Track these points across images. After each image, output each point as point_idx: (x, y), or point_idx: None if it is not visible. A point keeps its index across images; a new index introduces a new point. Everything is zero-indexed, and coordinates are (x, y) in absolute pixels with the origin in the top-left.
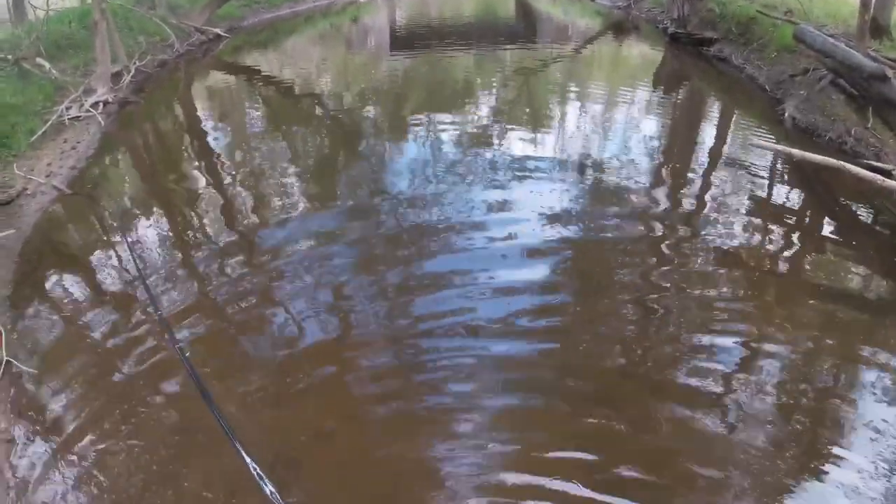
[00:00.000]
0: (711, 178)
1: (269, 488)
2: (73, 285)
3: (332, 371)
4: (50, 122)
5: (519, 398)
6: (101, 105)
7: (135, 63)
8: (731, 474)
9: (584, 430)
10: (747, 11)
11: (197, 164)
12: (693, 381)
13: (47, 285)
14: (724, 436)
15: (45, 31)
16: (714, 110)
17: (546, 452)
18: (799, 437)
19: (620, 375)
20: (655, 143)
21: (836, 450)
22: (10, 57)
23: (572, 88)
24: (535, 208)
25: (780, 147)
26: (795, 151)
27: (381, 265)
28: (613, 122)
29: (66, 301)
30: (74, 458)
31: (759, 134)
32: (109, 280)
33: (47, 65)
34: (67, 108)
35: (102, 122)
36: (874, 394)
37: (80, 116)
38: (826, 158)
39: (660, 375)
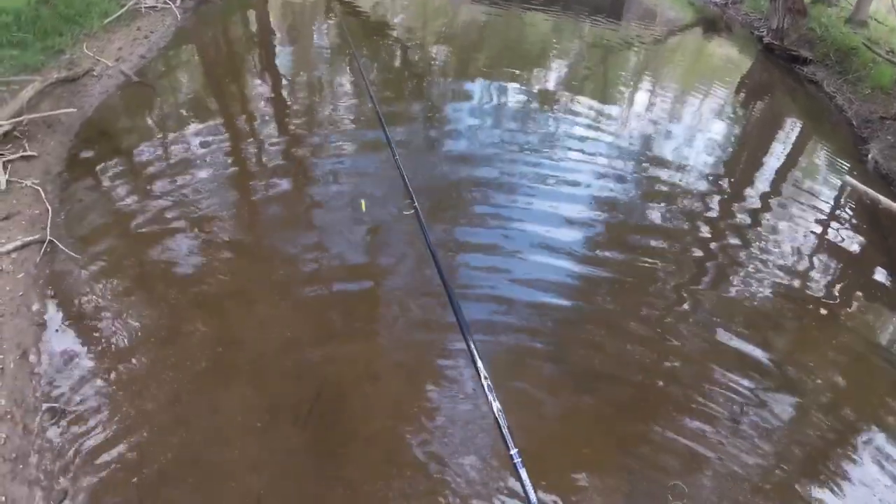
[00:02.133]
0: (772, 198)
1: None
2: (125, 172)
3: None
4: (126, 7)
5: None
6: None
7: None
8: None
9: None
10: (850, 40)
11: (261, 70)
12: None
13: (99, 169)
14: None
15: None
16: (793, 131)
17: None
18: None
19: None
20: (724, 151)
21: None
22: None
23: (648, 76)
24: (582, 186)
25: (870, 191)
26: (884, 199)
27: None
28: (684, 119)
29: (115, 187)
30: (104, 350)
31: (836, 167)
32: (160, 171)
33: None
34: None
35: (178, 16)
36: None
37: (156, 6)
38: None
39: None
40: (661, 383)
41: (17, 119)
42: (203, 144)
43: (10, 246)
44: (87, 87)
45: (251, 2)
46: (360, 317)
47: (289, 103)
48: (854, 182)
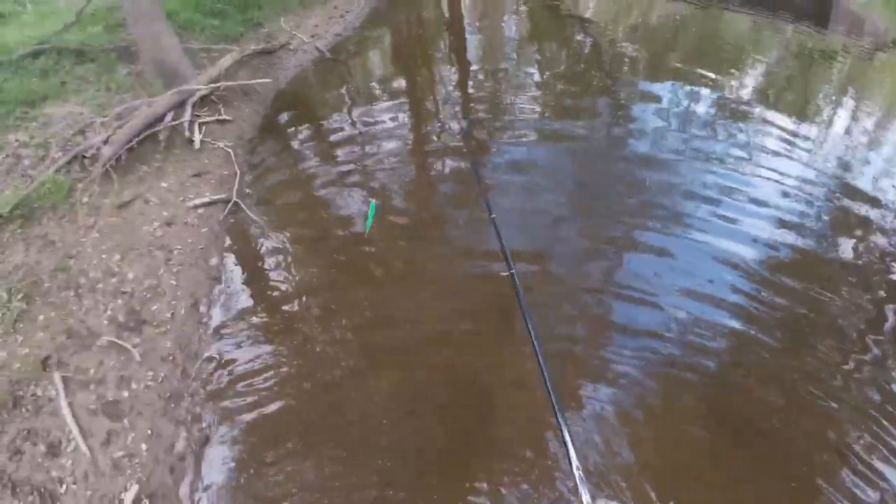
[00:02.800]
0: None
1: None
2: (312, 142)
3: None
4: None
5: None
6: None
7: None
8: None
9: None
10: None
11: (450, 58)
12: None
13: (288, 137)
14: None
15: None
16: None
17: None
18: None
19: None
20: None
21: None
22: None
23: (851, 94)
24: (766, 205)
25: None
26: None
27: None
28: (887, 147)
29: (301, 156)
30: (270, 311)
31: None
32: (344, 143)
33: None
34: None
35: None
36: None
37: None
38: None
39: None
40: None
41: (214, 85)
42: (387, 122)
43: (197, 201)
44: (283, 59)
45: None
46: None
47: (472, 88)
48: None
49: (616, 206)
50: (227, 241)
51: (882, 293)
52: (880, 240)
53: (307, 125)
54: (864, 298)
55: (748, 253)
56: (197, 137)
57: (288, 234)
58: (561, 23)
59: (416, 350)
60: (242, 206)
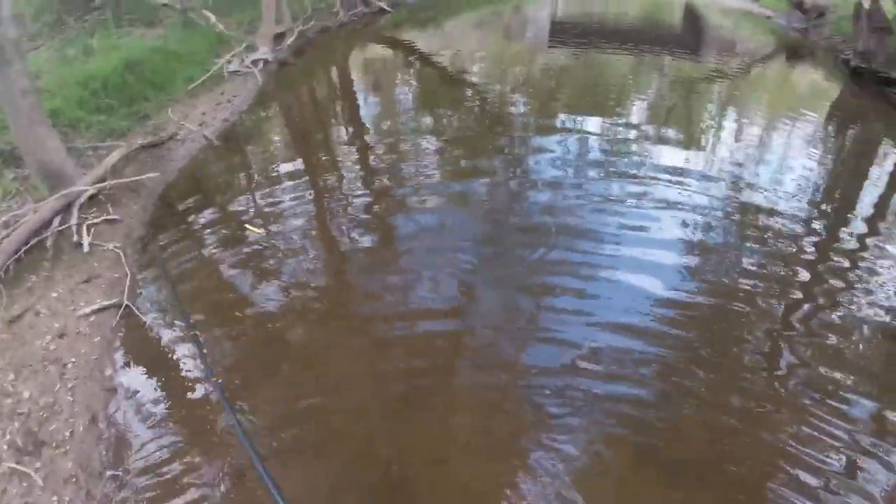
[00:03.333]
0: (873, 236)
1: None
2: (207, 238)
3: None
4: (210, 73)
5: None
6: (260, 63)
7: (298, 26)
8: None
9: None
10: None
11: (344, 131)
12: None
13: (179, 233)
14: None
15: None
16: (891, 161)
17: None
18: None
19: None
20: (817, 186)
21: None
22: (178, 6)
23: (732, 109)
24: (669, 232)
25: None
26: None
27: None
28: (774, 154)
29: (196, 253)
30: (172, 420)
31: None
32: (240, 237)
33: (213, 17)
34: (228, 62)
35: (260, 80)
36: None
37: (239, 71)
38: None
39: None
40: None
41: (101, 184)
42: (285, 207)
43: (87, 309)
44: (171, 151)
45: (331, 61)
46: None
47: (371, 160)
48: None
49: (525, 256)
50: (122, 349)
51: (793, 296)
52: (781, 243)
53: (197, 216)
54: (775, 304)
55: (656, 282)
56: (86, 241)
57: (185, 331)
58: (450, 86)
59: (334, 441)
60: (134, 309)
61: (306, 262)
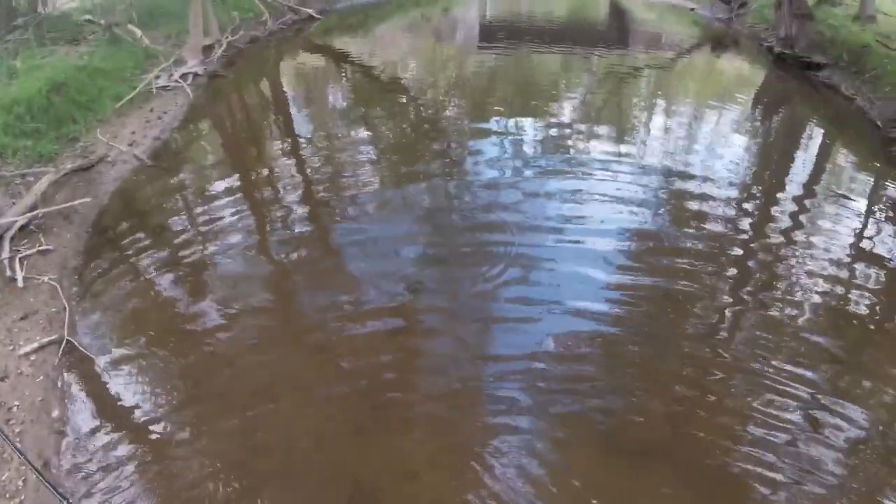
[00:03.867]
0: (804, 211)
1: None
2: (144, 263)
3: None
4: (137, 90)
5: None
6: (190, 77)
7: (227, 37)
8: None
9: None
10: (861, 39)
11: (279, 142)
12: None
13: (115, 260)
14: None
15: None
16: (817, 139)
17: None
18: None
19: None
20: (748, 167)
21: None
22: (102, 22)
23: (661, 100)
24: (607, 223)
25: None
26: None
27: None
28: (704, 139)
29: (135, 279)
30: (125, 459)
31: (867, 170)
32: (176, 260)
33: (139, 32)
34: (156, 78)
35: (190, 94)
36: None
37: (168, 86)
38: None
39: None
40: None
41: (31, 214)
42: (223, 226)
43: (27, 348)
44: (102, 174)
45: (262, 71)
46: None
47: (307, 171)
48: None
49: (472, 251)
50: (67, 387)
51: (730, 272)
52: (717, 224)
53: (134, 242)
54: (716, 280)
55: (601, 267)
56: (19, 275)
57: (130, 363)
58: (383, 90)
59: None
60: (76, 343)
61: (249, 281)
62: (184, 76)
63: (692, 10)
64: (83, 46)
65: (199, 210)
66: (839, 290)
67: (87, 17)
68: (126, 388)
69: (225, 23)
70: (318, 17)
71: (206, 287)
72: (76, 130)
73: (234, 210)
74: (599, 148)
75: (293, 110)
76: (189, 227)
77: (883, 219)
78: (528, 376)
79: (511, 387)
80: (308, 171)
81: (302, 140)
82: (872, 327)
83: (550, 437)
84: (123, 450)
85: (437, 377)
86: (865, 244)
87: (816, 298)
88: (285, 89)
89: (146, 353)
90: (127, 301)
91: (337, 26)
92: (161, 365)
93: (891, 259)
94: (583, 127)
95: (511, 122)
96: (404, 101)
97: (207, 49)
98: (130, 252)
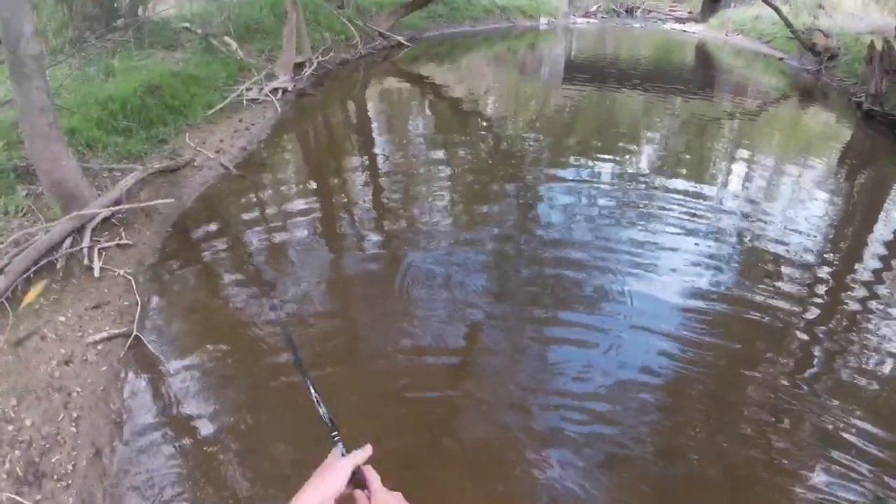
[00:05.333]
0: (887, 277)
1: None
2: (220, 268)
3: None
4: (228, 100)
5: None
6: (279, 92)
7: (318, 57)
8: None
9: None
10: None
11: (359, 165)
12: None
13: (192, 262)
14: None
15: (236, 12)
16: None
17: None
18: None
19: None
20: (831, 230)
21: None
22: (199, 31)
23: (744, 151)
24: (672, 282)
25: None
26: None
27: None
28: (786, 197)
29: (209, 283)
30: (178, 458)
31: None
32: (257, 269)
33: (234, 44)
34: (247, 90)
35: (279, 109)
36: None
37: (258, 99)
38: None
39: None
40: None
41: (115, 208)
42: (299, 241)
43: (96, 336)
44: (188, 177)
45: (349, 93)
46: None
47: (385, 195)
48: None
49: (540, 301)
50: (129, 381)
51: (802, 337)
52: (794, 287)
53: (212, 247)
54: (789, 345)
55: (669, 322)
56: (96, 265)
57: (195, 369)
58: (465, 121)
59: None
60: (144, 340)
61: (317, 301)
62: (274, 91)
63: (780, 59)
64: (179, 53)
65: (276, 223)
66: None
67: (186, 24)
68: (187, 392)
69: (317, 43)
70: (407, 44)
71: (275, 301)
72: (166, 133)
73: (310, 228)
74: (677, 197)
75: (376, 133)
76: (266, 239)
77: None
78: (585, 433)
79: (562, 441)
80: (384, 197)
81: (381, 165)
82: None
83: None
84: (175, 451)
85: (489, 422)
86: None
87: (886, 387)
88: (370, 112)
89: (212, 361)
90: (198, 305)
91: (424, 54)
92: (224, 376)
93: None
94: (662, 174)
95: (590, 163)
96: (485, 132)
97: (298, 67)
98: (207, 256)
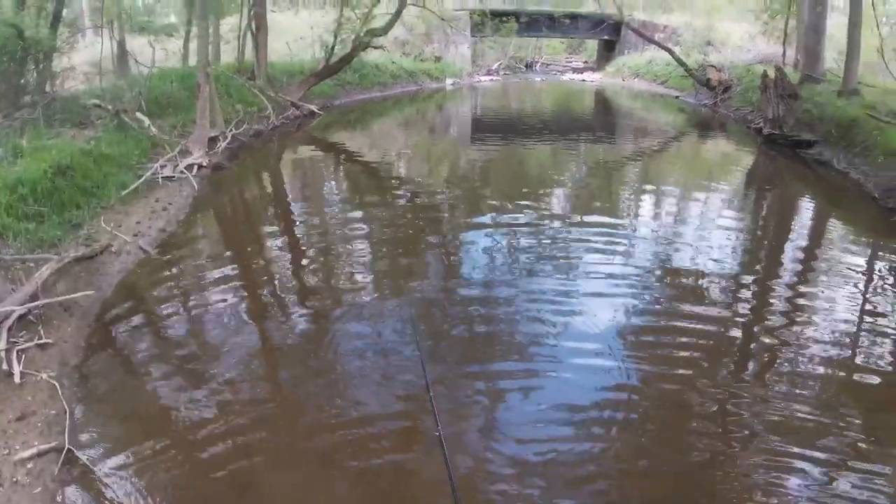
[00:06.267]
0: (806, 287)
1: None
2: (148, 361)
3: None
4: (143, 179)
5: None
6: (195, 168)
7: (231, 130)
8: None
9: None
10: (848, 112)
11: (280, 236)
12: None
13: (121, 359)
14: None
15: (147, 86)
16: (814, 215)
17: None
18: None
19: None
20: (746, 249)
21: None
22: (110, 107)
23: (652, 187)
24: (603, 315)
25: None
26: None
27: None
28: (698, 224)
29: (138, 380)
30: None
31: (868, 243)
32: (186, 358)
33: (146, 120)
34: (162, 167)
35: (195, 185)
36: None
37: (173, 177)
38: None
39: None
40: None
41: (32, 304)
42: (226, 323)
43: (24, 453)
44: (106, 264)
45: (265, 164)
46: None
47: (306, 265)
48: None
49: (469, 357)
50: (67, 501)
51: (732, 356)
52: (716, 308)
53: (138, 339)
54: (718, 366)
55: (602, 360)
56: (16, 370)
57: (136, 478)
58: (380, 184)
59: None
60: (76, 454)
61: (251, 383)
62: (189, 167)
63: (677, 97)
64: (90, 130)
65: (201, 306)
66: (845, 366)
67: (96, 101)
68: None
69: (230, 115)
70: (320, 112)
71: (209, 389)
72: (80, 216)
73: (235, 307)
74: (592, 239)
75: (293, 203)
76: (192, 324)
77: (886, 290)
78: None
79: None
80: (306, 268)
81: (301, 234)
82: (883, 400)
83: None
84: None
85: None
86: (868, 317)
87: (822, 375)
88: (286, 182)
89: (151, 464)
90: (129, 406)
91: (337, 121)
92: (167, 477)
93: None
94: (575, 217)
95: (504, 214)
96: (400, 193)
97: (212, 141)
98: (133, 349)
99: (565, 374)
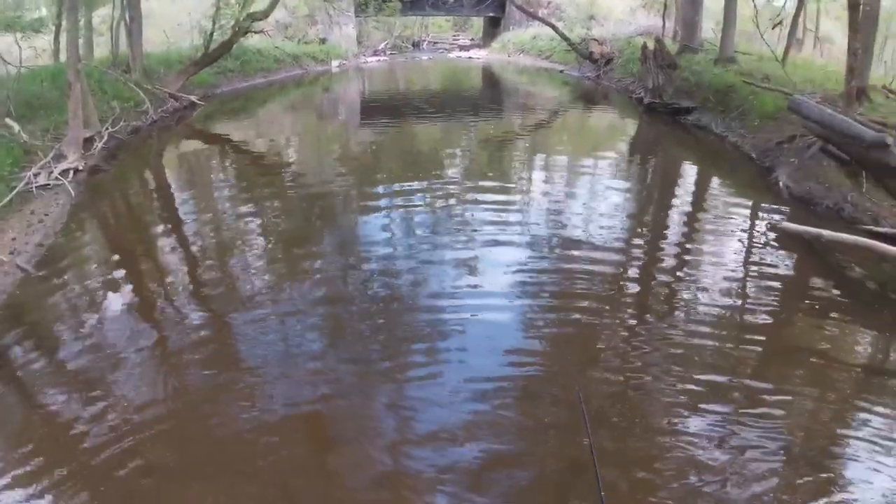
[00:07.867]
0: (692, 245)
1: None
2: (43, 392)
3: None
4: (16, 190)
5: None
6: (71, 173)
7: (107, 129)
8: None
9: None
10: (725, 79)
11: (169, 237)
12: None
13: (11, 394)
14: None
15: (16, 90)
16: (697, 178)
17: None
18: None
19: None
20: (633, 213)
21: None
22: None
23: (541, 159)
24: (502, 282)
25: (809, 229)
26: (826, 232)
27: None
28: (587, 191)
29: (32, 404)
30: None
31: (748, 202)
32: (85, 382)
33: (16, 126)
34: (35, 176)
35: (73, 193)
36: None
37: (48, 185)
38: (857, 238)
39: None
40: None
41: None
42: (121, 337)
43: None
44: None
45: (146, 162)
46: None
47: (200, 264)
48: (791, 226)
49: (373, 337)
50: None
51: (629, 312)
52: (609, 269)
53: (27, 368)
54: (615, 320)
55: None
56: None
57: None
58: (269, 172)
59: None
60: None
61: (148, 396)
62: (64, 172)
63: (561, 71)
64: None
65: (93, 321)
66: (734, 310)
67: None
68: None
69: (105, 113)
70: (200, 103)
71: (105, 406)
72: None
73: (129, 319)
74: (486, 211)
75: (180, 202)
76: (84, 340)
77: (768, 242)
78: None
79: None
80: (200, 268)
81: (191, 233)
82: (766, 339)
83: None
84: None
85: (356, 467)
86: (753, 267)
87: (713, 321)
88: (171, 180)
89: (46, 487)
90: (24, 431)
91: (219, 111)
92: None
93: (777, 277)
94: (468, 193)
95: (398, 192)
96: (291, 182)
97: (88, 142)
98: (24, 381)
99: (470, 360)
